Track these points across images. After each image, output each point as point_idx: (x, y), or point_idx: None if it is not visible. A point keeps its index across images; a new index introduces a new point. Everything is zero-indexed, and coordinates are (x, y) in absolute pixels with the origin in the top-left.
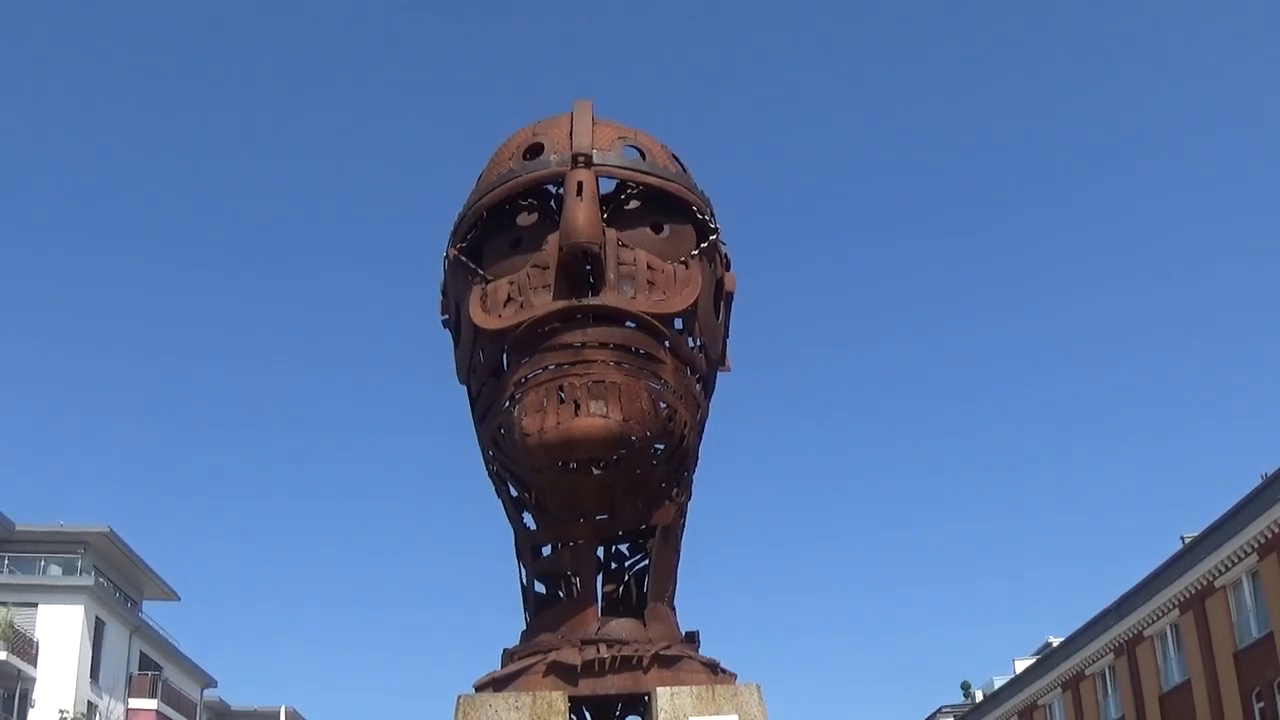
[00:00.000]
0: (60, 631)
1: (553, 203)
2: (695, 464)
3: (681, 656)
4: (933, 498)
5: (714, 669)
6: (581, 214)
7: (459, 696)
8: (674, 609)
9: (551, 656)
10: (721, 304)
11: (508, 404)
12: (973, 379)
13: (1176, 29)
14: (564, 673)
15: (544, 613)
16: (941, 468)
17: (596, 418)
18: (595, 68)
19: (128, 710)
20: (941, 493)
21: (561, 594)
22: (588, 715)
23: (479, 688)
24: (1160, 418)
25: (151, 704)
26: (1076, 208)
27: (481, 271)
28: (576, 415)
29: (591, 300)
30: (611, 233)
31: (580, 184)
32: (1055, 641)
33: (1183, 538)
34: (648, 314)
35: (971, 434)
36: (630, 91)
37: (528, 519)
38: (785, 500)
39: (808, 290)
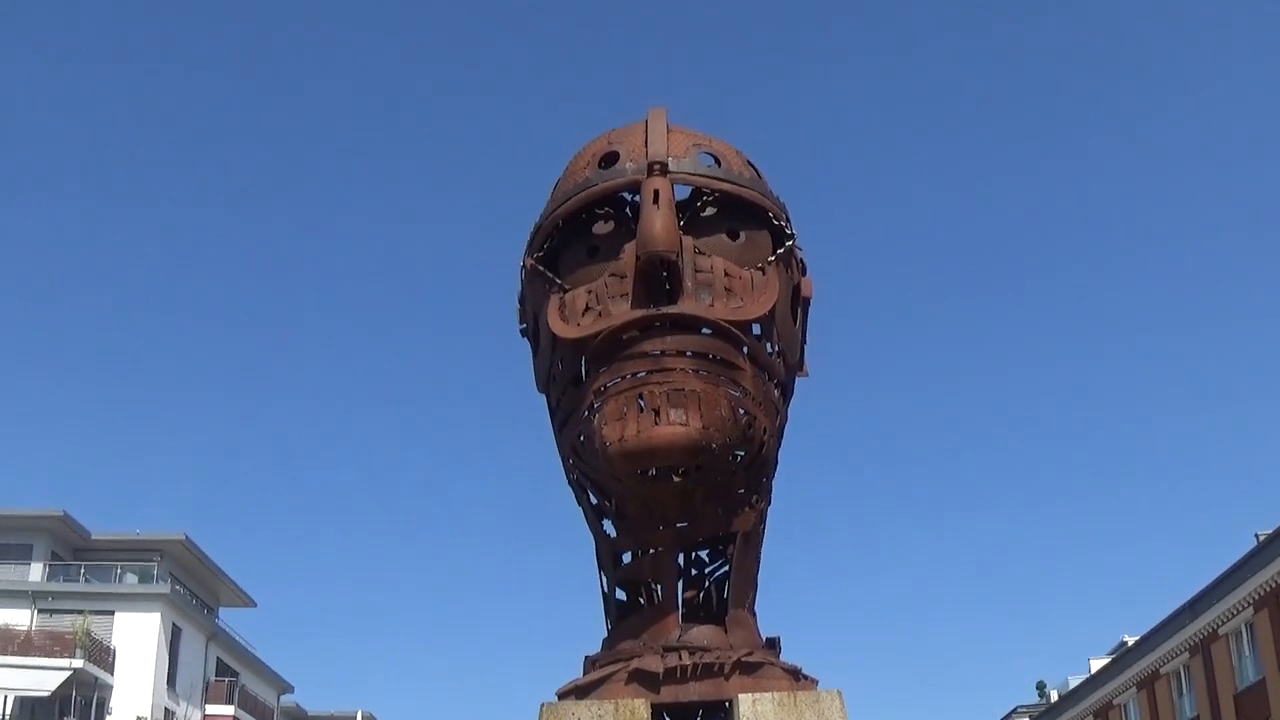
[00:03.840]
0: (137, 639)
1: (629, 211)
2: (775, 470)
3: (763, 663)
4: (1008, 497)
5: (796, 675)
6: (659, 222)
7: (542, 704)
8: (755, 615)
9: (634, 664)
10: (799, 309)
11: (587, 413)
12: (1049, 377)
13: None
14: (646, 680)
15: (625, 620)
16: (1018, 467)
17: (677, 425)
18: (667, 76)
19: (205, 716)
20: (1016, 492)
21: (642, 601)
22: None
23: (562, 695)
24: (1234, 414)
25: (229, 710)
26: (1168, 240)
27: (559, 280)
28: (657, 423)
29: (670, 308)
30: (688, 240)
31: (656, 192)
32: (1130, 641)
33: (1257, 535)
34: (726, 321)
35: (1046, 432)
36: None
37: (608, 526)
38: (859, 498)
39: (884, 291)
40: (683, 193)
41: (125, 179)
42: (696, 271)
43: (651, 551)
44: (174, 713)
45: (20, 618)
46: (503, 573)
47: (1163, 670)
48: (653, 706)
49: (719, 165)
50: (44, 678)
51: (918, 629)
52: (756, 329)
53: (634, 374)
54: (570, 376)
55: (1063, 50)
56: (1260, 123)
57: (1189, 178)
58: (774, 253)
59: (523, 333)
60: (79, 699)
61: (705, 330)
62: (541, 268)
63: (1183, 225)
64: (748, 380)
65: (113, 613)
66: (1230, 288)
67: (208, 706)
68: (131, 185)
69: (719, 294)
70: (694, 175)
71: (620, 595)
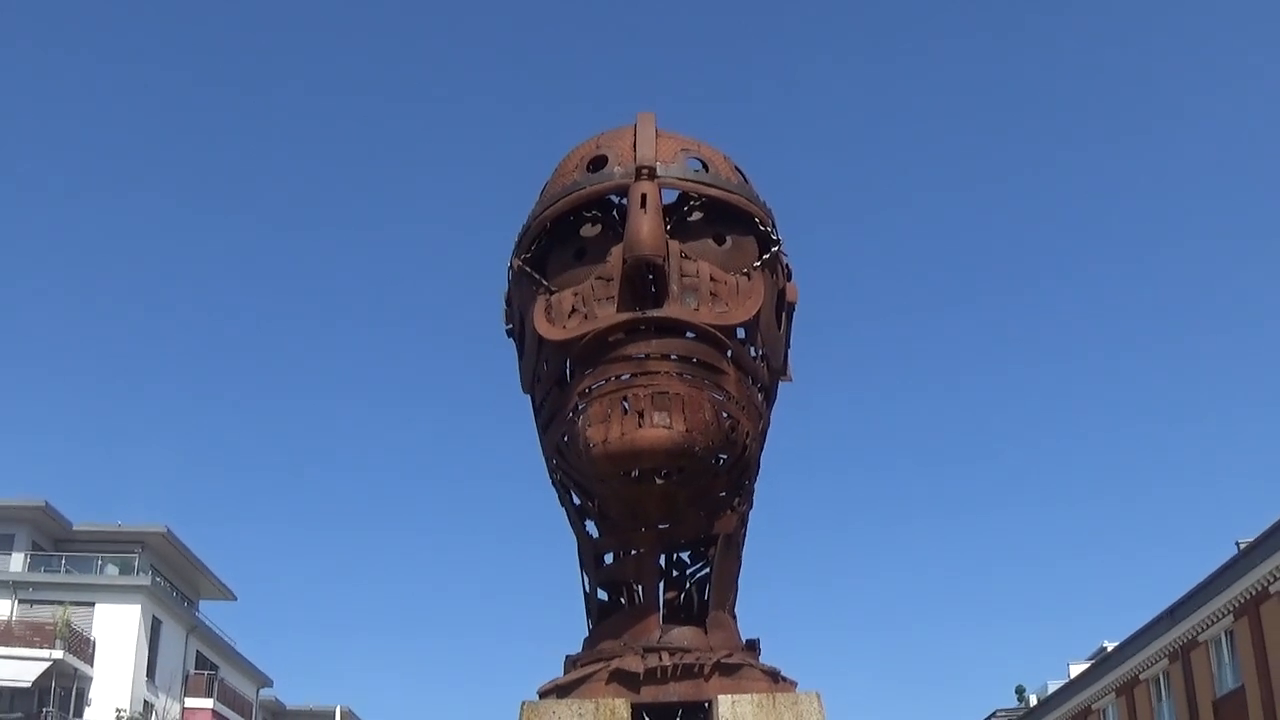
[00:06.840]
0: (117, 630)
1: (616, 214)
2: (757, 473)
3: (742, 664)
4: (988, 502)
5: (775, 677)
6: (645, 226)
7: (523, 703)
8: (735, 617)
9: (614, 664)
10: (783, 314)
11: (572, 414)
12: (1031, 383)
13: None
14: (626, 680)
15: (606, 620)
16: (999, 471)
17: (660, 428)
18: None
19: (184, 709)
20: (997, 497)
21: (624, 602)
22: None
23: (543, 694)
24: (1214, 423)
25: (207, 703)
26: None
27: (546, 282)
28: (640, 426)
29: (655, 312)
30: (674, 244)
31: (644, 196)
32: (1110, 646)
33: (1238, 543)
34: (710, 325)
35: (1028, 438)
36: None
37: (590, 527)
38: (841, 501)
39: (868, 297)
40: (670, 196)
41: (110, 174)
42: (682, 275)
43: (633, 552)
44: (153, 705)
45: (0, 608)
46: (484, 570)
47: (1142, 676)
48: (633, 706)
49: (706, 170)
50: (23, 668)
51: (897, 632)
52: (741, 333)
53: (618, 376)
54: (555, 378)
55: (1053, 55)
56: (1224, 143)
57: (1169, 190)
58: (760, 258)
59: (509, 333)
60: (58, 690)
61: (690, 334)
62: (529, 269)
63: (1164, 234)
64: (731, 384)
65: (93, 604)
66: (1214, 295)
67: (187, 699)
68: (115, 179)
69: (704, 298)
70: (681, 180)
71: (602, 595)
